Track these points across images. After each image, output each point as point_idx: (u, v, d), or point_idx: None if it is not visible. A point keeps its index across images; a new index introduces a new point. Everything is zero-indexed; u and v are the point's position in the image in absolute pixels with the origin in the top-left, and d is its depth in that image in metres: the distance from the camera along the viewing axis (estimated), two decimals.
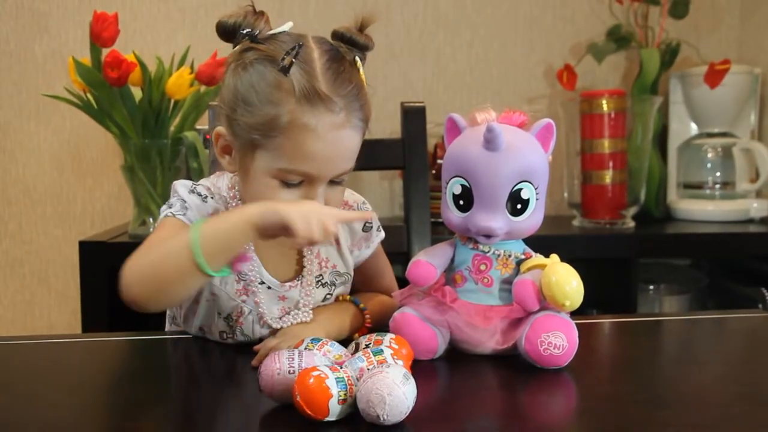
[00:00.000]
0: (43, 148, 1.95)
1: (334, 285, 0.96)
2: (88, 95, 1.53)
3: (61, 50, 1.92)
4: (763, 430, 0.66)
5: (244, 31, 0.83)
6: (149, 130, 1.54)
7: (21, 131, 1.94)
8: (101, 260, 1.54)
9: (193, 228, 0.77)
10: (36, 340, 1.02)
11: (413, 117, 1.27)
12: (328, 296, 0.96)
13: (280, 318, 0.92)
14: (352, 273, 0.99)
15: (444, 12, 2.02)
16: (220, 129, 0.88)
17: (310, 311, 0.93)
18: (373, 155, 1.28)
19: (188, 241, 0.75)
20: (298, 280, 0.93)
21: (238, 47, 0.84)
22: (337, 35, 0.87)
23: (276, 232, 0.76)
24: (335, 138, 0.82)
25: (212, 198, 0.90)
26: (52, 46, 1.93)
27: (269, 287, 0.92)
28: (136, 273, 0.79)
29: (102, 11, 1.47)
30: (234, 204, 0.91)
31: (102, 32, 1.46)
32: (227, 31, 0.84)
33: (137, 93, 1.53)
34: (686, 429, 0.66)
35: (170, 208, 0.88)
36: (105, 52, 1.47)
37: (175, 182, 0.91)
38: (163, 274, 0.78)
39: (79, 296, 1.73)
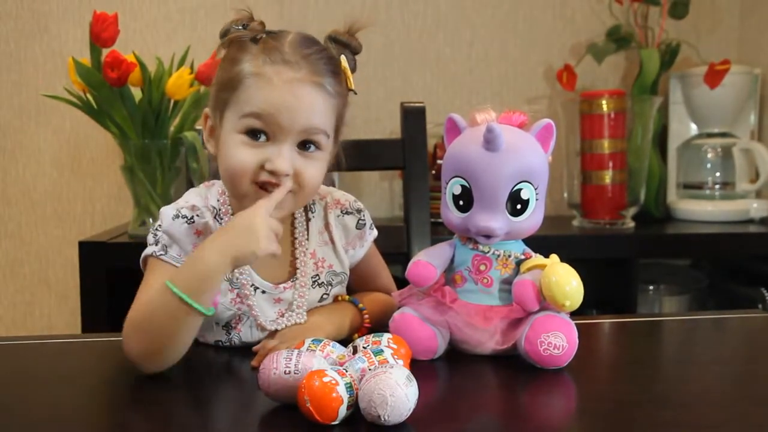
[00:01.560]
0: (43, 148, 1.95)
1: (331, 285, 0.96)
2: (88, 95, 1.53)
3: (61, 50, 1.92)
4: (763, 430, 0.66)
5: (236, 26, 0.88)
6: (149, 130, 1.54)
7: (21, 131, 1.94)
8: (101, 260, 1.54)
9: (171, 280, 0.79)
10: (36, 340, 1.02)
11: (413, 117, 1.27)
12: (324, 296, 0.96)
13: (275, 320, 0.92)
14: (348, 272, 0.99)
15: (444, 12, 2.02)
16: (207, 109, 0.92)
17: (304, 312, 0.93)
18: (373, 155, 1.28)
19: (170, 290, 0.78)
20: (292, 281, 0.93)
21: (227, 37, 0.89)
22: (328, 37, 0.91)
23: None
24: (294, 89, 0.84)
25: (198, 215, 0.90)
26: (52, 46, 1.93)
27: (263, 291, 0.92)
28: (133, 335, 0.81)
29: (102, 11, 1.47)
30: (223, 213, 0.92)
31: (102, 32, 1.46)
32: (224, 31, 0.90)
33: (137, 93, 1.53)
34: (686, 429, 0.66)
35: (156, 244, 0.89)
36: (105, 52, 1.47)
37: (163, 208, 0.91)
38: (159, 329, 0.80)
39: (78, 296, 1.73)
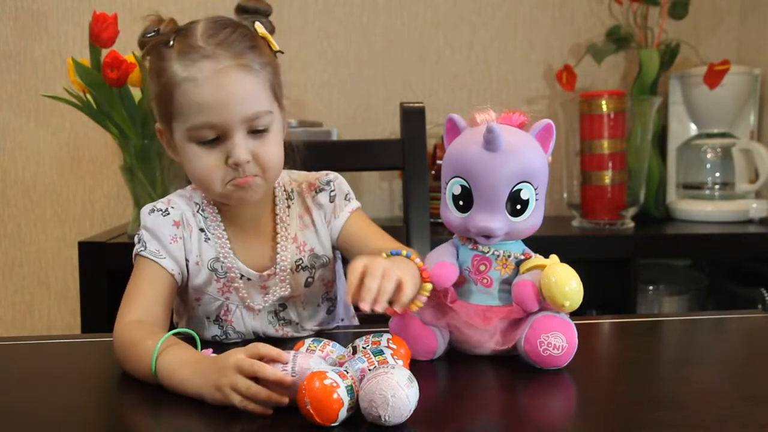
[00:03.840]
0: (43, 148, 1.95)
1: (314, 268, 0.97)
2: (88, 96, 1.53)
3: (61, 51, 1.92)
4: (763, 430, 0.66)
5: (149, 34, 0.89)
6: (149, 130, 1.54)
7: (20, 132, 1.94)
8: (101, 261, 1.54)
9: (154, 362, 0.76)
10: (35, 341, 1.02)
11: (413, 117, 1.27)
12: (309, 279, 0.97)
13: (263, 299, 0.94)
14: (331, 254, 0.99)
15: (444, 12, 2.02)
16: (158, 125, 0.93)
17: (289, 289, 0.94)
18: (372, 156, 1.28)
19: (150, 371, 0.76)
20: (273, 268, 0.94)
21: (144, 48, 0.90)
22: (235, 10, 0.92)
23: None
24: (221, 82, 0.83)
25: (173, 207, 0.93)
26: (52, 46, 1.93)
27: (249, 279, 0.93)
28: (116, 347, 0.83)
29: (101, 12, 1.47)
30: (210, 209, 0.94)
31: (101, 33, 1.46)
32: (140, 42, 0.90)
33: (137, 93, 1.53)
34: (686, 429, 0.66)
35: (139, 241, 0.92)
36: (104, 52, 1.47)
37: (142, 208, 0.94)
38: (132, 370, 0.81)
39: (78, 297, 1.73)
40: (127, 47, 1.57)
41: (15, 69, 1.93)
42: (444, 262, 0.85)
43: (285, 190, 0.98)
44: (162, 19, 0.89)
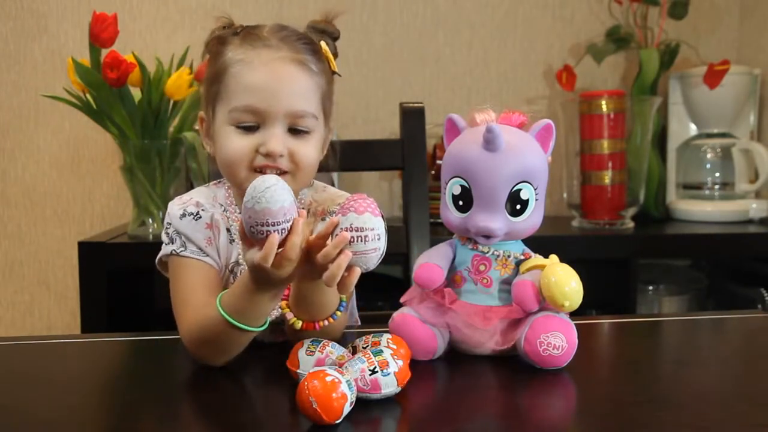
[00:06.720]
0: (43, 148, 1.95)
1: None
2: (88, 96, 1.53)
3: (61, 51, 1.92)
4: (763, 430, 0.66)
5: (217, 34, 0.92)
6: (148, 130, 1.54)
7: (20, 132, 1.94)
8: (100, 261, 1.54)
9: (221, 307, 0.78)
10: (35, 341, 1.02)
11: (412, 118, 1.27)
12: None
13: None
14: None
15: (444, 12, 2.02)
16: (201, 112, 0.94)
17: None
18: (372, 156, 1.28)
19: (224, 319, 0.78)
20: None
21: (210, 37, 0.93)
22: (306, 27, 0.94)
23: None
24: (275, 69, 0.85)
25: (204, 210, 0.92)
26: (52, 46, 1.93)
27: None
28: (194, 344, 0.83)
29: (101, 12, 1.47)
30: (231, 209, 0.93)
31: (101, 33, 1.46)
32: (207, 46, 0.93)
33: (136, 93, 1.53)
34: (686, 429, 0.66)
35: (172, 242, 0.90)
36: (104, 52, 1.47)
37: (169, 204, 0.93)
38: (219, 344, 0.81)
39: (78, 297, 1.74)
40: (126, 47, 1.58)
41: (15, 69, 1.93)
42: (430, 264, 0.85)
43: (303, 208, 0.97)
44: (233, 23, 0.92)
